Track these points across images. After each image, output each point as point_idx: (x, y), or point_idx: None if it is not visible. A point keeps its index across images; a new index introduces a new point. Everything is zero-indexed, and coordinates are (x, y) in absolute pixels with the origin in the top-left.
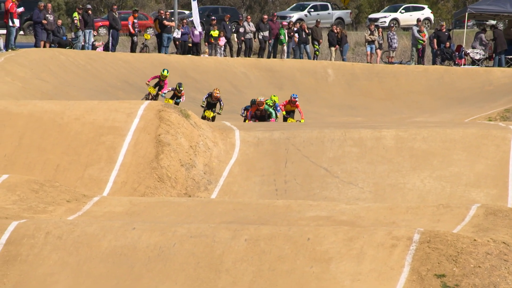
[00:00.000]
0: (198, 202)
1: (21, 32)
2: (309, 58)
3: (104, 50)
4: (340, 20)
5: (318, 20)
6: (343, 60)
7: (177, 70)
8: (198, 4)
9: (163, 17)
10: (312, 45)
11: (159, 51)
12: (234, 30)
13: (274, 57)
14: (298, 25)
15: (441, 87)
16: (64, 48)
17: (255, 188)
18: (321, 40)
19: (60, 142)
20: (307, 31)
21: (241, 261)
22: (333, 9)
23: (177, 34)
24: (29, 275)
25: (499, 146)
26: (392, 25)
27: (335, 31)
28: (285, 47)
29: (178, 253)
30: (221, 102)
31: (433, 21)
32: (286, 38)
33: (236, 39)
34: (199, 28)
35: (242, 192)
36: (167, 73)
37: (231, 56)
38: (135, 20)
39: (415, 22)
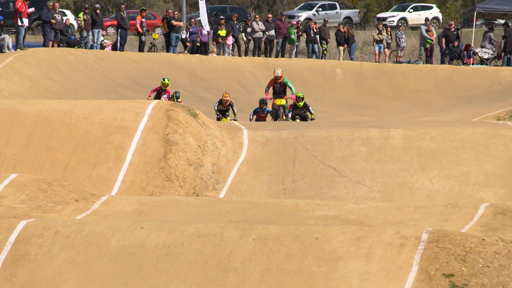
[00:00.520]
0: (206, 202)
1: (30, 32)
2: (317, 57)
3: (112, 49)
4: (348, 19)
5: (326, 19)
6: (351, 59)
7: (185, 70)
8: (206, 3)
9: (171, 16)
10: (320, 44)
11: (167, 51)
12: (242, 29)
13: (283, 56)
14: (316, 25)
15: (450, 86)
16: (72, 47)
17: (263, 188)
18: (329, 40)
19: (69, 142)
20: (315, 30)
21: (249, 260)
22: (341, 8)
23: (184, 35)
24: (37, 274)
25: (508, 145)
26: (400, 24)
27: (342, 30)
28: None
29: (186, 252)
30: (233, 107)
31: (441, 20)
32: (298, 38)
33: (244, 38)
34: (207, 28)
35: (250, 192)
36: (168, 81)
37: (239, 55)
38: (143, 20)
39: (423, 21)
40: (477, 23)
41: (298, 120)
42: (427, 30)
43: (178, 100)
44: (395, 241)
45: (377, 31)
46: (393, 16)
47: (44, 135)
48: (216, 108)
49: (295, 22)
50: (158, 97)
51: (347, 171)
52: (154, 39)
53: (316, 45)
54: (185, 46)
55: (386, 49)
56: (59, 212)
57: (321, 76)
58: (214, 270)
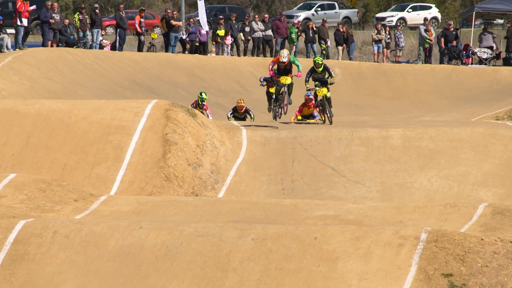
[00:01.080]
0: (205, 201)
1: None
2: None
3: (111, 49)
4: (347, 19)
5: (325, 19)
6: (350, 59)
7: (184, 70)
8: (205, 3)
9: (170, 16)
10: (318, 44)
11: (166, 50)
12: (240, 29)
13: None
14: (310, 24)
15: (449, 86)
16: (71, 47)
17: (262, 187)
18: (328, 39)
19: (68, 141)
20: (314, 29)
21: (248, 260)
22: (340, 8)
23: (183, 35)
24: (36, 274)
25: (507, 145)
26: (399, 24)
27: (341, 30)
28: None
29: (185, 252)
30: (250, 112)
31: (440, 20)
32: (297, 37)
33: (242, 38)
34: (205, 27)
35: (249, 191)
36: (206, 95)
37: (238, 55)
38: (142, 20)
39: (422, 21)
40: (476, 23)
41: (318, 88)
42: (426, 30)
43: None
44: (394, 241)
45: (376, 31)
46: (392, 16)
47: (43, 135)
48: (229, 117)
49: (296, 22)
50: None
51: (346, 171)
52: (153, 39)
53: (314, 45)
54: (184, 46)
55: (385, 49)
56: (58, 212)
57: None
58: (213, 270)
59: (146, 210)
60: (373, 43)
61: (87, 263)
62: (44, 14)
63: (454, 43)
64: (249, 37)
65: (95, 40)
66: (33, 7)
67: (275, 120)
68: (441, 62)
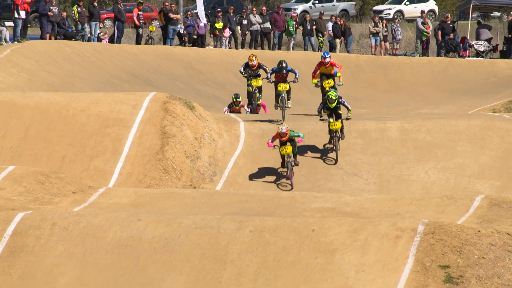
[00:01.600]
0: (203, 194)
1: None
2: (313, 50)
3: (109, 42)
4: (344, 12)
5: (322, 12)
6: (348, 52)
7: (182, 62)
8: None
9: (168, 9)
10: (316, 37)
11: (164, 43)
12: (238, 22)
13: (279, 49)
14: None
15: (446, 78)
16: (69, 40)
17: (260, 180)
18: (325, 32)
19: (66, 134)
20: (311, 19)
21: (246, 252)
22: (337, 1)
23: (181, 28)
24: (35, 266)
25: (504, 137)
26: (396, 17)
27: (339, 23)
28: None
29: (183, 244)
30: (265, 67)
31: (437, 13)
32: (294, 30)
33: (239, 31)
34: (203, 20)
35: (247, 184)
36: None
37: (236, 48)
38: (140, 12)
39: (419, 14)
40: (473, 15)
41: (332, 120)
42: (423, 23)
43: (238, 99)
44: (391, 233)
45: (373, 24)
46: (389, 9)
47: (42, 128)
48: (243, 71)
49: (294, 14)
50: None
51: (344, 163)
52: (151, 31)
53: (312, 38)
54: (181, 39)
55: (383, 42)
56: (56, 204)
57: None
58: (211, 262)
59: (144, 203)
60: (371, 35)
61: (86, 255)
62: (42, 7)
63: (451, 35)
64: (247, 31)
65: (93, 33)
66: None
67: None
68: (438, 54)
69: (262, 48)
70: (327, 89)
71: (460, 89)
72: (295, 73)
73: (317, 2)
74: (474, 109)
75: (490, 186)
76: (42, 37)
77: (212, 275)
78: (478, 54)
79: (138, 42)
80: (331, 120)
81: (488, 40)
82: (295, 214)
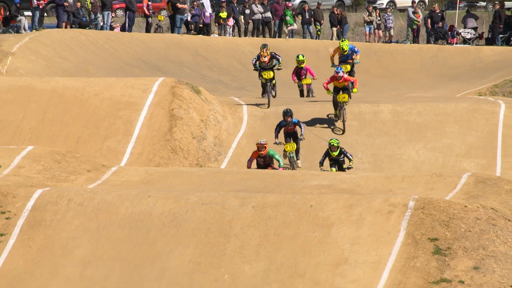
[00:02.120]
0: (209, 172)
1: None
2: (312, 37)
3: (121, 30)
4: (340, 2)
5: (319, 2)
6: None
7: (189, 49)
8: None
9: None
10: (314, 25)
11: (172, 32)
12: (241, 11)
13: (279, 37)
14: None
15: (435, 64)
16: (84, 28)
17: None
18: (322, 21)
19: (81, 116)
20: (309, 9)
21: (248, 227)
22: None
23: (188, 16)
24: (53, 239)
25: (489, 119)
26: (388, 7)
27: (336, 12)
28: (290, 27)
29: (190, 219)
30: (277, 56)
31: (427, 3)
32: (293, 19)
33: (242, 20)
34: (209, 10)
35: None
36: (303, 57)
37: (239, 36)
38: (150, 2)
39: (410, 4)
40: (460, 5)
41: (334, 170)
42: (414, 12)
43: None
44: (384, 208)
45: (367, 13)
46: None
47: (58, 110)
48: (254, 62)
49: (290, 5)
50: (298, 76)
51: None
52: (160, 20)
53: (310, 27)
54: (188, 28)
55: (376, 30)
56: (72, 182)
57: (315, 56)
58: (216, 235)
59: (154, 180)
60: (365, 24)
61: (99, 230)
62: None
63: (440, 24)
64: (249, 20)
65: (105, 22)
66: None
67: None
68: (428, 42)
69: (264, 36)
70: (341, 101)
71: (448, 74)
72: (279, 161)
73: None
74: (461, 93)
75: (476, 165)
76: (58, 26)
77: (217, 247)
78: (465, 41)
79: (147, 30)
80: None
81: (474, 28)
82: (295, 191)
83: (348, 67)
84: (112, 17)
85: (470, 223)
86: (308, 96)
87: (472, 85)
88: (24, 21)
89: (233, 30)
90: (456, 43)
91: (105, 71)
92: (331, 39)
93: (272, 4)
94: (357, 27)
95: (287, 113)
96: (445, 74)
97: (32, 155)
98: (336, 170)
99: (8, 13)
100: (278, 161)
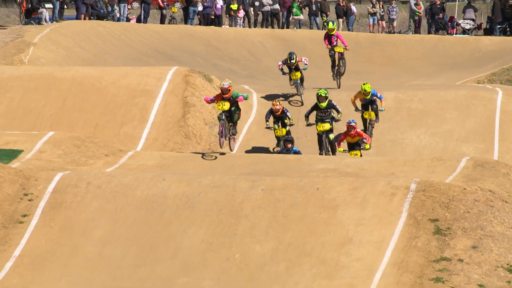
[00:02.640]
0: (220, 156)
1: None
2: (318, 28)
3: (136, 22)
4: None
5: None
6: (349, 30)
7: (201, 40)
8: None
9: None
10: (320, 17)
11: (185, 23)
12: (251, 3)
13: (288, 27)
14: None
15: (436, 54)
16: (101, 20)
17: (270, 144)
18: (328, 12)
19: (99, 104)
20: (316, 1)
21: (258, 208)
22: None
23: (200, 7)
24: (73, 220)
25: (487, 106)
26: None
27: (341, 4)
28: (296, 18)
29: (203, 201)
30: (287, 113)
31: None
32: (300, 10)
33: (252, 12)
34: (220, 2)
35: (259, 148)
36: (333, 24)
37: (249, 27)
38: None
39: None
40: None
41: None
42: (416, 4)
43: (292, 60)
44: (387, 191)
45: (371, 5)
46: None
47: (77, 98)
48: (267, 119)
49: None
50: (330, 42)
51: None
52: (173, 12)
53: (317, 18)
54: (200, 20)
55: (379, 21)
56: (91, 166)
57: (321, 46)
58: (227, 216)
59: (168, 164)
60: (369, 15)
61: (117, 211)
62: None
63: (441, 15)
64: (259, 12)
65: (122, 14)
66: None
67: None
68: (429, 32)
69: (272, 27)
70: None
71: (448, 63)
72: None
73: None
74: (461, 80)
75: (475, 149)
76: (77, 18)
77: (228, 228)
78: (464, 32)
79: (162, 22)
80: (319, 123)
81: (473, 20)
82: (302, 174)
83: (373, 114)
84: (128, 9)
85: (469, 204)
86: (339, 69)
87: (471, 74)
88: (45, 13)
89: (243, 21)
90: (456, 34)
91: (122, 60)
92: (337, 29)
93: None
94: (361, 18)
95: (287, 140)
96: (445, 63)
97: (53, 140)
98: (322, 123)
99: (30, 6)
100: (243, 96)
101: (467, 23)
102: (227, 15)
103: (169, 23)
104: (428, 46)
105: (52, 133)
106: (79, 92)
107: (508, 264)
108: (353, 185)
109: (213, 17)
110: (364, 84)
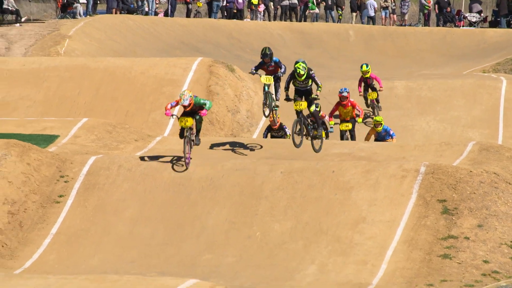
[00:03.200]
0: (241, 141)
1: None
2: (333, 22)
3: (164, 16)
4: None
5: None
6: (362, 23)
7: (224, 33)
8: None
9: None
10: (336, 10)
11: (210, 16)
12: None
13: (305, 21)
14: None
15: (444, 45)
16: (132, 14)
17: (289, 129)
18: (343, 7)
19: (129, 92)
20: None
21: (277, 190)
22: None
23: (224, 2)
24: (105, 201)
25: (492, 94)
26: None
27: None
28: (312, 11)
29: (226, 183)
30: (286, 130)
31: None
32: (316, 5)
33: (272, 6)
34: None
35: None
36: (367, 67)
37: (269, 20)
38: None
39: None
40: None
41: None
42: None
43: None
44: (398, 173)
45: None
46: None
47: (109, 87)
48: (266, 136)
49: None
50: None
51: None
52: (198, 7)
53: (333, 12)
54: (223, 14)
55: (391, 14)
56: (122, 150)
57: (337, 38)
58: (248, 198)
59: (194, 149)
60: (381, 9)
61: (146, 193)
62: None
63: (448, 9)
64: (278, 6)
65: (151, 8)
66: None
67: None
68: (438, 25)
69: (291, 20)
70: (344, 128)
71: (456, 54)
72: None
73: None
74: (467, 70)
75: (480, 134)
76: (108, 12)
77: (249, 208)
78: (471, 24)
79: (188, 15)
80: (298, 100)
81: (479, 12)
82: (318, 158)
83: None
84: (157, 3)
85: (475, 186)
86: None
87: (477, 64)
88: (80, 8)
89: (263, 15)
90: (463, 26)
91: (150, 52)
92: (351, 22)
93: None
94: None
95: (265, 55)
96: (453, 54)
97: (87, 126)
98: (299, 100)
99: (65, 1)
100: (206, 108)
101: (474, 16)
102: (249, 9)
103: (194, 17)
104: (436, 38)
105: (86, 120)
106: (111, 81)
107: (511, 242)
108: (366, 168)
109: (235, 11)
110: (376, 115)
